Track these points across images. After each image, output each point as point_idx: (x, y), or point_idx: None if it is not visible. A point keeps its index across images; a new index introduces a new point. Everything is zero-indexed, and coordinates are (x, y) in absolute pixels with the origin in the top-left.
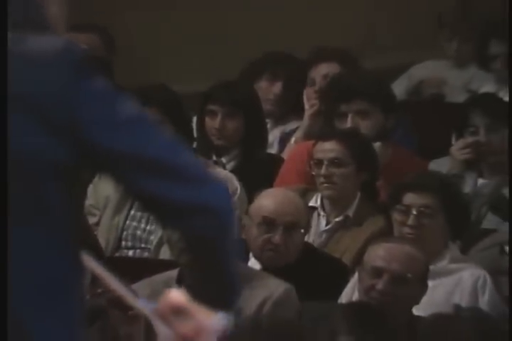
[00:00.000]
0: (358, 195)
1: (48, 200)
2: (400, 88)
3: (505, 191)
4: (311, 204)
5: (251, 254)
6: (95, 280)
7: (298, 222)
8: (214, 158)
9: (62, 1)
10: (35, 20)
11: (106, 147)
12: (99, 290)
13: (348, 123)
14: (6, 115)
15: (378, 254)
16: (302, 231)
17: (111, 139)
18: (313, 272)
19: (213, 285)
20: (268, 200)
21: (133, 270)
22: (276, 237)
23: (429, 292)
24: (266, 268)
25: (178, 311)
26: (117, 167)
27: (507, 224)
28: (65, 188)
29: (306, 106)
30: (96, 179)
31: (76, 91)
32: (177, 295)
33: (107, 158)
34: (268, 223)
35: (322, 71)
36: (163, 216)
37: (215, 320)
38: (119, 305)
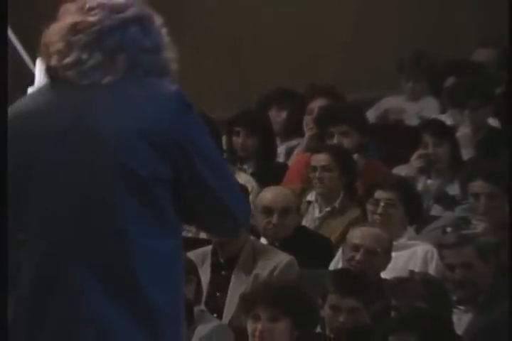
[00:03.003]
0: (342, 192)
1: (160, 201)
2: (371, 115)
3: (447, 188)
4: (308, 198)
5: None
6: None
7: (289, 207)
8: (238, 165)
9: (177, 60)
10: (161, 70)
11: (195, 166)
12: None
13: (335, 141)
14: (6, 121)
15: (356, 234)
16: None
17: (200, 162)
18: (309, 247)
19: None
20: (266, 194)
21: None
22: (274, 220)
23: (392, 261)
24: (271, 242)
25: None
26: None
27: (449, 212)
28: (169, 192)
29: (306, 129)
30: None
31: (185, 122)
32: None
33: (190, 175)
34: (267, 210)
35: (317, 104)
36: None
37: None
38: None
